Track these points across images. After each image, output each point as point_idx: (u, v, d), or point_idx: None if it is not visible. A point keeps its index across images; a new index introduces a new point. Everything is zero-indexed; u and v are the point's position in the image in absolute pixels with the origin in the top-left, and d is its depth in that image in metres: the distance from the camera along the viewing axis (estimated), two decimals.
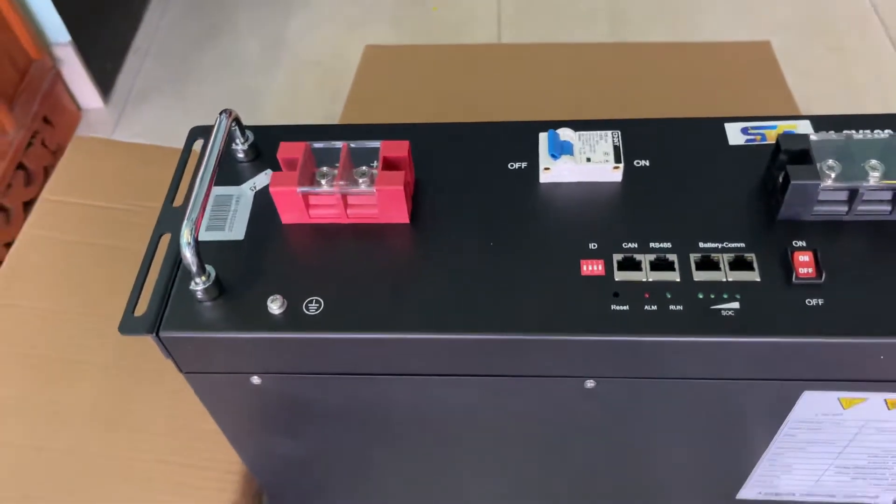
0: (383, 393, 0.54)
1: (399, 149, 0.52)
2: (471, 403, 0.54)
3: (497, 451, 0.61)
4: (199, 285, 0.48)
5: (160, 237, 0.54)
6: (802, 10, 1.53)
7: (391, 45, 1.16)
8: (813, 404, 0.51)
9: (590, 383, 0.51)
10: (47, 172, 1.34)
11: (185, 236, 0.46)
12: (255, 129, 0.58)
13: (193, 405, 0.75)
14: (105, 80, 1.44)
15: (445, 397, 0.54)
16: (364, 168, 0.52)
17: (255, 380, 0.52)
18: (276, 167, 0.55)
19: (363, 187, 0.51)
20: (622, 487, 0.66)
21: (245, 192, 0.55)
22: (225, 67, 1.51)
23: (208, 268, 0.49)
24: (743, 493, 0.63)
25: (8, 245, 1.24)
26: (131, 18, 1.57)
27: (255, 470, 0.67)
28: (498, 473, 0.65)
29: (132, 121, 1.42)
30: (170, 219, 0.54)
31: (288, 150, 0.52)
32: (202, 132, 0.59)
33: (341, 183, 0.51)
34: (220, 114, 0.53)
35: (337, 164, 0.52)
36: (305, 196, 0.51)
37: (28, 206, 1.29)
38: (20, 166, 1.27)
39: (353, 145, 0.52)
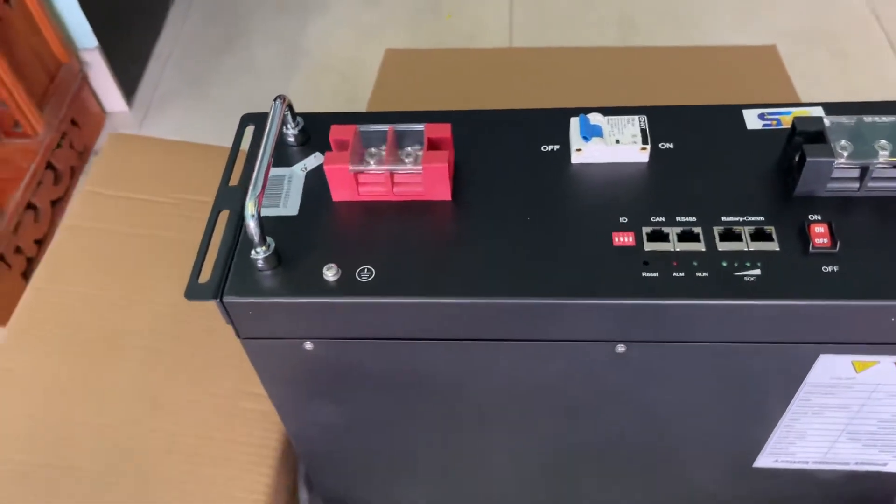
0: (427, 358, 0.57)
1: (442, 130, 0.56)
2: (510, 367, 0.58)
3: (529, 418, 0.65)
4: (259, 254, 0.52)
5: (218, 213, 0.57)
6: (804, 17, 1.57)
7: (411, 49, 1.20)
8: (828, 367, 0.55)
9: (620, 348, 0.54)
10: (73, 172, 1.38)
11: (250, 208, 0.50)
12: (304, 115, 0.62)
13: (232, 385, 0.79)
14: (129, 84, 1.49)
15: (486, 362, 0.57)
16: (409, 149, 0.56)
17: (308, 345, 0.56)
18: (324, 151, 0.59)
19: (409, 166, 0.55)
20: (642, 456, 0.69)
21: (296, 173, 0.59)
22: (244, 72, 1.55)
23: (268, 239, 0.53)
24: (760, 462, 0.67)
25: (37, 241, 1.28)
26: (154, 25, 1.62)
27: (297, 439, 0.71)
28: (530, 444, 0.69)
29: (155, 123, 1.46)
30: (227, 197, 0.58)
31: (339, 132, 0.56)
32: (253, 118, 0.63)
33: (389, 162, 0.55)
34: (275, 99, 0.57)
35: (383, 146, 0.56)
36: (356, 174, 0.55)
37: (55, 204, 1.33)
38: (49, 166, 1.31)
39: (398, 128, 0.56)
